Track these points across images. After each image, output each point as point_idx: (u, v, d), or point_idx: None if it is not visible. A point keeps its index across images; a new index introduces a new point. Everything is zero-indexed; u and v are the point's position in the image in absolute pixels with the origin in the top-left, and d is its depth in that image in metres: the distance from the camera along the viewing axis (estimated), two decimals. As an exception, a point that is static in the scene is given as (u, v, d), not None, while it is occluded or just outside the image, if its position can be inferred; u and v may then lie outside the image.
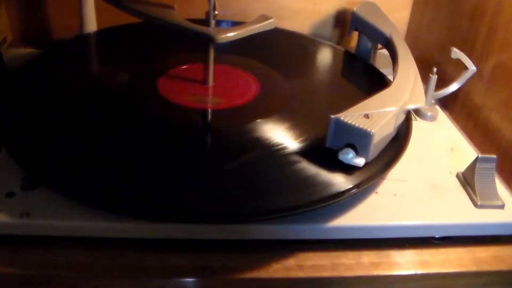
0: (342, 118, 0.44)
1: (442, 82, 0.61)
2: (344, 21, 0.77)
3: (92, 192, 0.41)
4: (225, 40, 0.51)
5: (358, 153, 0.44)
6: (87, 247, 0.41)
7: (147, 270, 0.41)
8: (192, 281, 0.41)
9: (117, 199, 0.41)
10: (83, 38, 0.65)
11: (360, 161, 0.44)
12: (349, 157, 0.44)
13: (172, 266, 0.41)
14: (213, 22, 0.53)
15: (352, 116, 0.44)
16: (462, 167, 0.50)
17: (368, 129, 0.43)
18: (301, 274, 0.42)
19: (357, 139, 0.44)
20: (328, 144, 0.46)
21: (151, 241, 0.42)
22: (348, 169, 0.45)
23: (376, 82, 0.59)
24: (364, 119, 0.44)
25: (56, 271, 0.40)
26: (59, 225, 0.41)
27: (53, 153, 0.45)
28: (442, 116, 0.61)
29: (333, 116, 0.44)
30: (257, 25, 0.52)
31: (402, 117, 0.49)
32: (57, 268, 0.40)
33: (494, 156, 0.47)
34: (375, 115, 0.44)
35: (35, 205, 0.41)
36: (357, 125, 0.43)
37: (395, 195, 0.47)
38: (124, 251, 0.42)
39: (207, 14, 0.52)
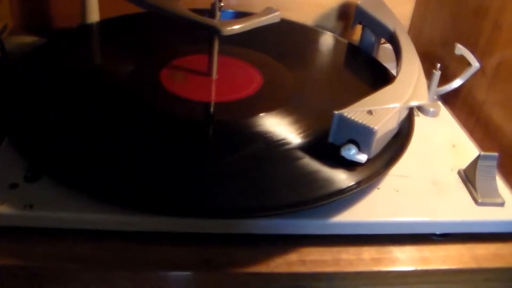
0: (345, 114, 0.44)
1: (444, 78, 0.61)
2: (348, 14, 0.77)
3: (95, 184, 0.41)
4: (230, 33, 0.50)
5: (360, 149, 0.44)
6: (90, 239, 0.42)
7: (149, 262, 0.41)
8: (195, 274, 0.41)
9: (120, 191, 0.41)
10: (85, 28, 0.65)
11: (362, 158, 0.44)
12: (352, 153, 0.44)
13: (175, 259, 0.41)
14: (218, 14, 0.52)
15: (356, 112, 0.44)
16: (464, 164, 0.50)
17: (371, 126, 0.43)
18: (303, 269, 0.42)
19: (360, 135, 0.44)
20: (330, 139, 0.46)
21: (154, 234, 0.42)
22: (350, 165, 0.45)
23: (379, 76, 0.59)
24: (367, 115, 0.44)
25: (59, 263, 0.40)
26: (62, 217, 0.41)
27: (56, 144, 0.45)
28: (444, 112, 0.61)
29: (336, 112, 0.44)
30: (263, 18, 0.52)
31: (405, 113, 0.49)
32: (60, 260, 0.40)
33: (496, 154, 0.48)
34: (378, 112, 0.44)
35: (39, 196, 0.41)
36: (360, 121, 0.43)
37: (397, 191, 0.47)
38: (127, 244, 0.42)
39: (213, 5, 0.52)
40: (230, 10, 0.69)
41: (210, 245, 0.42)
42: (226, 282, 0.42)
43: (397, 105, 0.46)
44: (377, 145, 0.45)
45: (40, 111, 0.49)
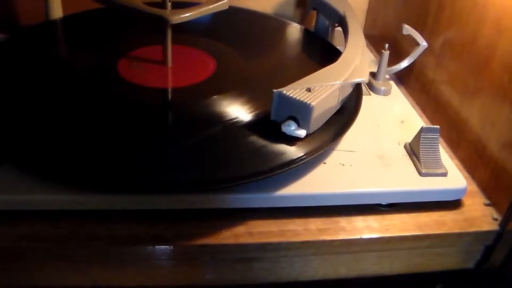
0: (284, 92, 0.46)
1: (400, 58, 0.63)
2: (306, 1, 0.78)
3: (52, 167, 0.44)
4: (179, 21, 0.53)
5: (300, 125, 0.46)
6: (48, 220, 0.44)
7: (104, 239, 0.43)
8: (147, 248, 0.43)
9: (75, 173, 0.43)
10: (49, 24, 0.66)
11: (301, 133, 0.46)
12: (291, 129, 0.45)
13: (127, 235, 0.43)
14: (169, 4, 0.54)
15: (295, 90, 0.46)
16: (411, 138, 0.52)
17: (308, 102, 0.45)
18: (250, 240, 0.44)
19: (298, 111, 0.45)
20: (272, 117, 0.47)
21: (108, 212, 0.44)
22: (293, 140, 0.47)
23: (331, 58, 0.61)
24: (305, 92, 0.46)
25: (19, 243, 0.42)
26: (22, 200, 0.43)
27: (16, 133, 0.47)
28: (396, 91, 0.63)
29: (275, 90, 0.46)
30: (211, 6, 0.54)
31: (348, 91, 0.51)
32: (20, 240, 0.42)
33: (438, 126, 0.49)
34: (317, 89, 0.46)
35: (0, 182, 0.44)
36: (298, 98, 0.45)
37: (343, 165, 0.49)
38: (83, 222, 0.44)
39: (164, -4, 0.54)
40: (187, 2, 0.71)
41: (160, 220, 0.44)
42: (176, 254, 0.44)
43: (336, 82, 0.48)
44: (316, 121, 0.46)
45: (2, 103, 0.51)
